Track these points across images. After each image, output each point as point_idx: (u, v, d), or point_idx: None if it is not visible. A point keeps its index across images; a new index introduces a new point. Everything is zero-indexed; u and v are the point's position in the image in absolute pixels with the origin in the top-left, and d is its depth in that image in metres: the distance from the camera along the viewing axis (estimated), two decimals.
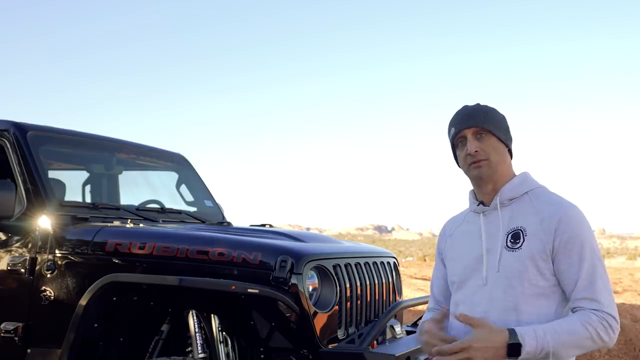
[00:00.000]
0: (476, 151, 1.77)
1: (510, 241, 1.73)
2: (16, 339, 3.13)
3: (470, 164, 1.79)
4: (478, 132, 1.78)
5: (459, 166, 1.88)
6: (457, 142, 1.84)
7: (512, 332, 1.60)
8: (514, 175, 1.84)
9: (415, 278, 17.39)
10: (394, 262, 3.68)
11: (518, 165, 1.89)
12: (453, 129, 1.84)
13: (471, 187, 1.90)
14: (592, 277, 1.66)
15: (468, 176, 1.85)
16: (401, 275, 3.82)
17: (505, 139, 1.81)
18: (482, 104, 1.87)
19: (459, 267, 1.85)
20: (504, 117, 1.86)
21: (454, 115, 1.86)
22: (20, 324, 3.15)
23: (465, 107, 1.86)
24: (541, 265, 1.68)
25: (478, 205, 1.85)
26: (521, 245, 1.71)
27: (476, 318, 1.66)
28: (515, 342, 1.58)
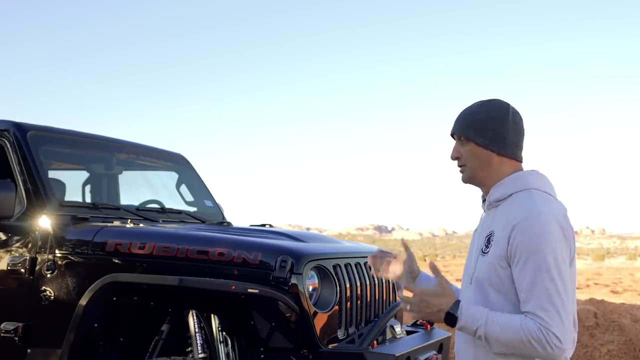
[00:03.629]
0: (456, 157, 1.79)
1: (484, 244, 1.72)
2: (16, 339, 3.13)
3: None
4: (460, 138, 1.79)
5: None
6: None
7: (456, 304, 1.62)
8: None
9: None
10: None
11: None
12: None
13: None
14: (532, 290, 1.56)
15: None
16: None
17: (486, 143, 1.72)
18: (477, 102, 1.80)
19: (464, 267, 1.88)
20: (493, 117, 1.73)
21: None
22: (20, 324, 3.15)
23: (462, 110, 1.83)
24: (500, 271, 1.64)
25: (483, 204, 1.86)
26: (489, 250, 1.69)
27: (441, 275, 1.69)
28: (452, 313, 1.61)
